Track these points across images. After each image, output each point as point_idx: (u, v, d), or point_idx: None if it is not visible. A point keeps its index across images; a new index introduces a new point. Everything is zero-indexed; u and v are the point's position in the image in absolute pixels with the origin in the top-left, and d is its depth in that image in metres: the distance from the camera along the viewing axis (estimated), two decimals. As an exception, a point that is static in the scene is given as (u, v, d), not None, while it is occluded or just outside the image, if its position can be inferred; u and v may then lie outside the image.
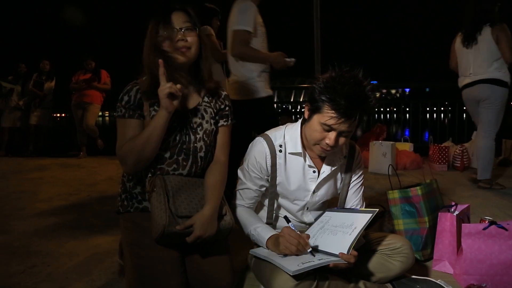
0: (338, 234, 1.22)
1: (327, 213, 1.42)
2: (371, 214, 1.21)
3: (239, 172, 1.44)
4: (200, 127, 1.35)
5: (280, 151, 1.36)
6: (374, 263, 1.32)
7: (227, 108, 1.43)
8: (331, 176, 1.42)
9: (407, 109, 6.30)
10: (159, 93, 1.18)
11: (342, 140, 1.25)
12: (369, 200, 2.77)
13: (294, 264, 1.11)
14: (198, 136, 1.33)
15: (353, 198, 1.47)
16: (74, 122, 5.36)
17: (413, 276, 1.40)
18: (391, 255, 1.31)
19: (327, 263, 1.11)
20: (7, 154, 5.57)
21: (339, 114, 1.17)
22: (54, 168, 4.49)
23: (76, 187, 3.42)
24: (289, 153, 1.37)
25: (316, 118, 1.23)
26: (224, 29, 2.39)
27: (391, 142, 3.91)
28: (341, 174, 1.45)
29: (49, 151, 5.73)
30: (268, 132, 1.41)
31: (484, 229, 1.45)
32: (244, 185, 1.42)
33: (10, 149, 5.69)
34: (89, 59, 5.23)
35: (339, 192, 1.48)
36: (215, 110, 1.40)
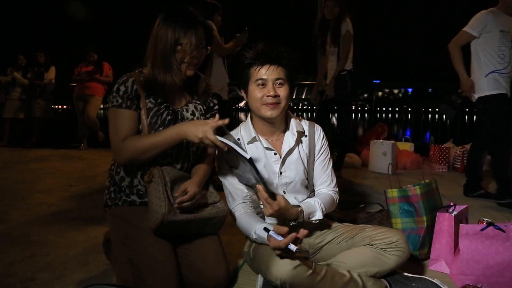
0: None
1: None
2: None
3: (222, 181, 1.47)
4: None
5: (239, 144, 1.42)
6: (370, 257, 1.33)
7: (215, 107, 1.48)
8: (295, 155, 1.45)
9: (409, 109, 6.29)
10: (208, 135, 1.18)
11: (281, 90, 1.35)
12: (368, 198, 2.77)
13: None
14: None
15: (321, 174, 1.49)
16: (76, 114, 5.36)
17: (410, 275, 1.41)
18: (387, 249, 1.32)
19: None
20: (9, 144, 5.58)
21: (260, 62, 1.33)
22: (54, 159, 4.50)
23: (76, 179, 3.43)
24: (247, 144, 1.43)
25: (250, 85, 1.37)
26: (225, 24, 2.40)
27: (392, 142, 3.90)
28: (305, 152, 1.48)
29: (50, 143, 5.74)
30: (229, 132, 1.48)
31: (482, 230, 1.45)
32: (229, 188, 1.44)
33: (12, 139, 5.69)
34: (92, 51, 5.22)
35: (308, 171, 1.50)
36: (204, 107, 1.46)
